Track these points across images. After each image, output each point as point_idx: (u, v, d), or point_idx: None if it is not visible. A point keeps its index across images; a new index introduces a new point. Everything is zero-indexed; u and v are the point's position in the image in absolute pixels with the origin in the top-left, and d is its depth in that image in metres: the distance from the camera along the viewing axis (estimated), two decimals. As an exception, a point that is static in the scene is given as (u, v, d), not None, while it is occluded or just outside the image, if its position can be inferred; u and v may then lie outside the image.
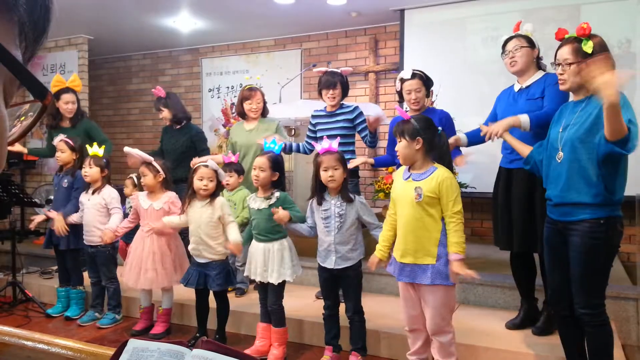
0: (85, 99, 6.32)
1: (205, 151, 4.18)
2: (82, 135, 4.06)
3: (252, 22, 5.80)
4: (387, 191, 4.40)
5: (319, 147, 2.73)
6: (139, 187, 3.79)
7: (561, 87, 2.25)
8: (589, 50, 2.12)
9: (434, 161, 2.38)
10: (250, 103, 3.75)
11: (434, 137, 2.37)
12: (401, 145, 2.35)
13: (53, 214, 3.63)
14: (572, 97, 2.35)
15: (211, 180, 3.02)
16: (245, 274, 2.97)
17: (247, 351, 2.95)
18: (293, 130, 4.50)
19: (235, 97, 6.58)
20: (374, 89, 5.86)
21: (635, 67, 4.44)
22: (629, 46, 4.46)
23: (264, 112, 3.85)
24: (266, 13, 5.46)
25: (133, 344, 0.79)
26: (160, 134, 4.44)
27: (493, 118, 3.00)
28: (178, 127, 4.19)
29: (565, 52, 2.18)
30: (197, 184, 3.02)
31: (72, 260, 3.79)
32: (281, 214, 2.69)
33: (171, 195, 3.34)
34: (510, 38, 2.88)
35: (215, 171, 3.05)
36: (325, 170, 2.66)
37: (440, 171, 2.33)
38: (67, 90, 4.16)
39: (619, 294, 3.09)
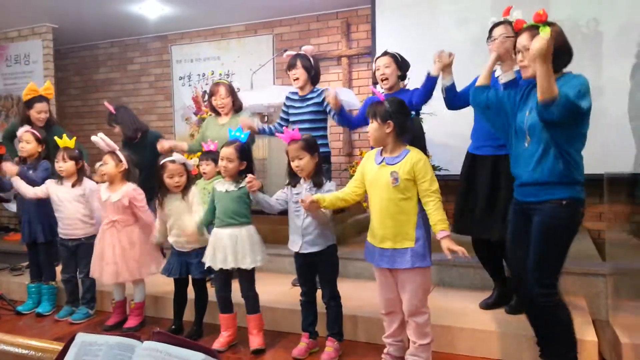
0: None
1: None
2: (53, 142, 3.90)
3: (221, 6, 5.69)
4: (361, 176, 4.39)
5: (283, 137, 2.70)
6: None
7: (524, 75, 2.25)
8: (547, 37, 2.12)
9: (406, 144, 2.37)
10: (216, 99, 3.71)
11: (406, 120, 2.36)
12: (372, 127, 2.35)
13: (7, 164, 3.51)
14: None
15: (181, 175, 3.01)
16: (207, 264, 2.87)
17: (215, 344, 2.92)
18: (266, 117, 4.44)
19: (206, 84, 6.48)
20: (347, 73, 5.82)
21: (602, 45, 4.50)
22: (597, 25, 4.51)
23: (236, 106, 3.76)
24: (235, -3, 5.36)
25: (81, 337, 0.75)
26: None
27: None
28: (136, 141, 3.99)
29: (524, 39, 2.19)
30: (169, 181, 3.00)
31: (45, 254, 3.69)
32: (255, 182, 2.68)
33: (130, 188, 3.23)
34: (498, 24, 2.82)
35: (183, 164, 3.02)
36: (293, 160, 2.66)
37: (413, 153, 2.33)
38: (40, 99, 3.98)
39: (588, 271, 3.15)
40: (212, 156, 3.43)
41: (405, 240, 2.31)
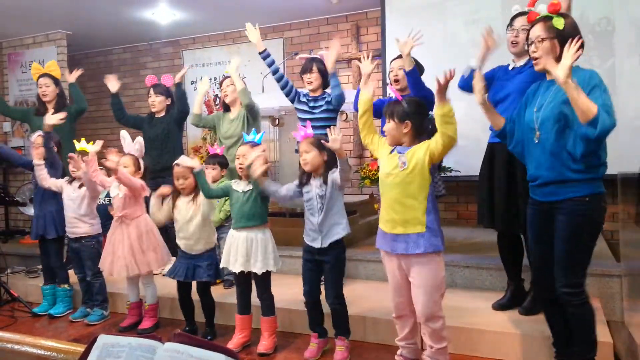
0: (67, 96, 6.21)
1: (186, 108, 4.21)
2: (65, 122, 3.97)
3: (232, 11, 5.73)
4: (372, 178, 4.40)
5: (297, 135, 2.74)
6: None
7: (536, 68, 2.23)
8: (560, 26, 2.10)
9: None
10: (223, 89, 3.86)
11: (424, 121, 2.35)
12: (389, 127, 2.33)
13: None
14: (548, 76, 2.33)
15: (185, 178, 3.04)
16: (222, 266, 2.92)
17: (229, 345, 2.94)
18: (277, 120, 4.47)
19: (218, 88, 6.53)
20: (357, 75, 5.83)
21: (615, 44, 4.46)
22: (608, 24, 4.48)
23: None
24: (246, 2, 5.40)
25: (103, 339, 0.78)
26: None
27: (486, 80, 2.98)
28: (161, 115, 4.20)
29: (537, 29, 2.17)
30: (175, 183, 3.08)
31: (57, 258, 3.76)
32: (257, 161, 2.71)
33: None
34: (521, 14, 2.77)
35: (189, 168, 3.04)
36: (301, 155, 2.69)
37: (426, 141, 2.31)
38: (42, 75, 4.23)
39: (603, 272, 3.13)
40: (218, 160, 3.48)
41: (417, 225, 2.28)
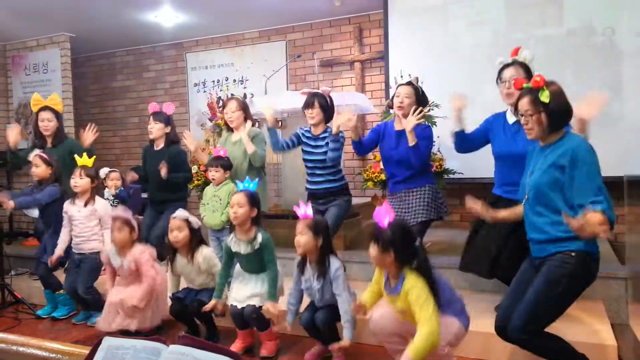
0: (70, 98, 6.25)
1: (187, 171, 4.11)
2: (65, 154, 3.95)
3: (235, 14, 5.75)
4: (375, 180, 4.40)
5: (299, 211, 2.68)
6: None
7: (529, 137, 2.28)
8: (546, 100, 2.15)
9: (409, 267, 2.21)
10: (226, 112, 3.77)
11: (408, 248, 2.21)
12: (373, 253, 2.23)
13: (3, 197, 3.56)
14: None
15: (180, 230, 2.99)
16: (229, 303, 2.91)
17: (231, 348, 2.93)
18: (280, 122, 4.47)
19: (221, 90, 6.55)
20: (360, 78, 5.84)
21: (620, 49, 4.46)
22: (613, 34, 4.47)
23: (247, 122, 3.77)
24: (249, 5, 5.42)
25: (108, 342, 0.78)
26: (142, 152, 4.30)
27: (480, 134, 3.04)
28: (161, 146, 4.06)
29: (525, 104, 2.22)
30: (170, 236, 3.03)
31: (45, 269, 3.71)
32: (272, 310, 2.71)
33: (137, 251, 3.21)
34: (508, 65, 2.86)
35: (186, 220, 3.02)
36: (296, 235, 2.63)
37: (408, 282, 2.17)
38: (44, 108, 4.06)
39: (607, 274, 3.11)
40: (221, 162, 3.50)
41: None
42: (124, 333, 3.31)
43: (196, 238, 3.06)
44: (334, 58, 5.95)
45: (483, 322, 2.88)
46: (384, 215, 2.21)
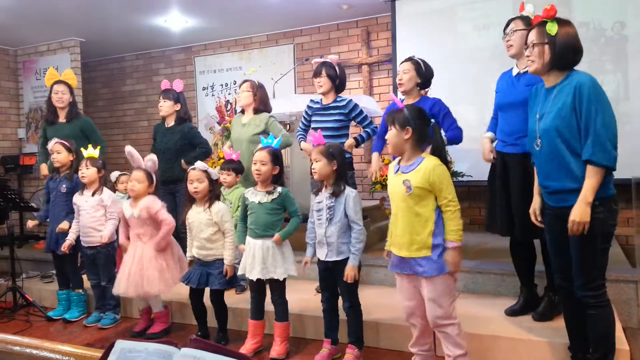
0: (80, 102, 6.30)
1: (202, 144, 4.15)
2: (77, 131, 4.03)
3: (243, 18, 5.78)
4: (384, 183, 4.39)
5: (310, 138, 2.80)
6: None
7: (530, 70, 2.26)
8: (553, 32, 2.12)
9: (424, 151, 2.33)
10: (237, 93, 3.84)
11: (425, 127, 2.33)
12: (391, 134, 2.33)
13: (65, 225, 3.62)
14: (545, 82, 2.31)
15: (200, 182, 3.01)
16: (239, 272, 2.93)
17: (241, 350, 2.94)
18: (288, 126, 4.48)
19: (229, 94, 6.58)
20: (368, 80, 5.85)
21: (628, 49, 4.42)
22: (622, 29, 4.44)
23: (256, 105, 3.80)
24: (257, 9, 5.44)
25: (120, 344, 0.79)
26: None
27: (496, 100, 3.01)
28: (172, 124, 4.16)
29: (532, 35, 2.20)
30: (189, 187, 3.05)
31: (70, 264, 3.78)
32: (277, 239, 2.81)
33: (147, 200, 3.25)
34: (512, 19, 2.86)
35: (205, 171, 3.04)
36: (312, 163, 2.72)
37: (428, 161, 2.27)
38: (58, 82, 4.19)
39: (618, 277, 3.09)
40: (233, 166, 3.47)
41: (423, 249, 2.26)
42: (136, 336, 3.34)
43: (215, 189, 3.09)
44: (342, 61, 5.95)
45: (487, 326, 2.87)
46: (398, 100, 2.43)
